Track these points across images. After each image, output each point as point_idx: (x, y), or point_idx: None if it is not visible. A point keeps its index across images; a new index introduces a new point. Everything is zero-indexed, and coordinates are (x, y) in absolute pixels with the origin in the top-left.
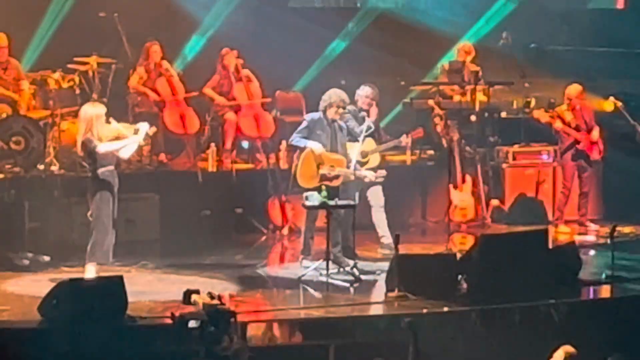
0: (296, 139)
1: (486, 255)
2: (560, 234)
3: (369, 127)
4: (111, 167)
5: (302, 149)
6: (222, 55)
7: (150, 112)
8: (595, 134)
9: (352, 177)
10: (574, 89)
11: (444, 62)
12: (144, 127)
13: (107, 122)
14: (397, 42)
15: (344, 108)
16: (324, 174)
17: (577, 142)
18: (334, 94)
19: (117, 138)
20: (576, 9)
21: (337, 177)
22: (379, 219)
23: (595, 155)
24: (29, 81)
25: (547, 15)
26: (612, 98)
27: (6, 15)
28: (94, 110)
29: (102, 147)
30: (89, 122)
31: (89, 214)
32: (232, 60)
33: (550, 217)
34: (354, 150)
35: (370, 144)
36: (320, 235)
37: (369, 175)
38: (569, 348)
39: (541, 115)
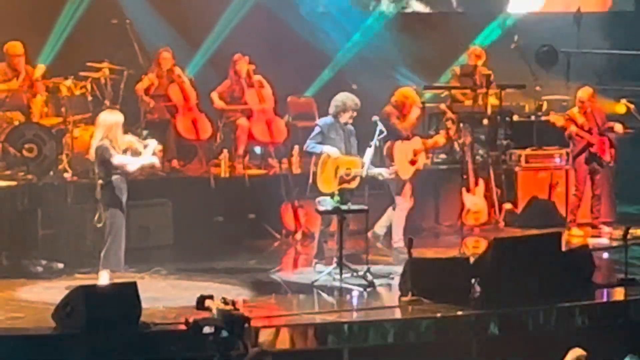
0: (311, 145)
1: (499, 259)
2: (573, 237)
3: (380, 132)
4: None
5: (319, 155)
6: (234, 61)
7: (162, 118)
8: (619, 127)
9: (364, 175)
10: (585, 91)
11: (455, 66)
12: (153, 144)
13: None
14: (409, 46)
15: (355, 111)
16: (342, 176)
17: (590, 144)
18: (348, 99)
19: (127, 149)
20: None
21: (354, 178)
22: (396, 221)
23: (607, 158)
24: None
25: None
26: (623, 100)
27: (19, 22)
28: (113, 117)
29: (117, 159)
30: (108, 129)
31: (96, 220)
32: (244, 66)
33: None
34: (367, 154)
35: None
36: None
37: (383, 173)
38: (579, 351)
39: (557, 119)
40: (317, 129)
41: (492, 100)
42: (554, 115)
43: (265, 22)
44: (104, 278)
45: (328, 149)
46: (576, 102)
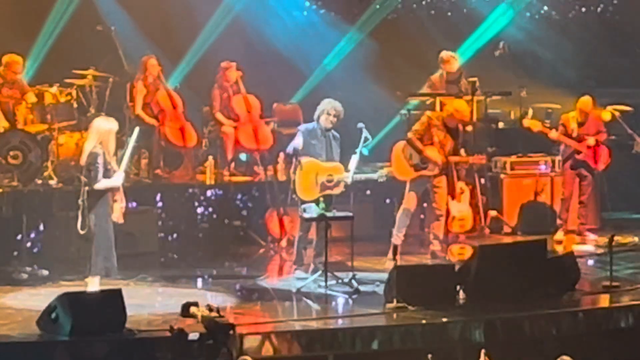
0: (289, 147)
1: (484, 266)
2: (557, 241)
3: (365, 139)
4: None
5: (297, 165)
6: (223, 69)
7: (148, 124)
8: (601, 136)
9: (349, 182)
10: (585, 101)
11: (433, 75)
12: (136, 132)
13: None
14: (394, 54)
15: (335, 116)
16: (323, 182)
17: (577, 152)
18: (326, 102)
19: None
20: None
21: (338, 184)
22: (398, 217)
23: (596, 164)
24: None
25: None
26: (610, 107)
27: (4, 29)
28: (108, 125)
29: (99, 185)
30: (102, 135)
31: (79, 226)
32: (233, 73)
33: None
34: (353, 161)
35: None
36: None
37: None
38: (566, 358)
39: (532, 124)
40: (298, 134)
41: (477, 107)
42: (529, 120)
43: (249, 32)
44: (94, 284)
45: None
46: (577, 110)
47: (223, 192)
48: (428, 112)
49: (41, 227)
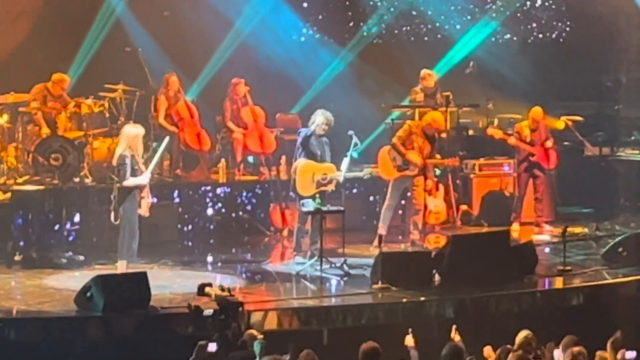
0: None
1: (456, 253)
2: (515, 232)
3: (355, 144)
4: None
5: (295, 165)
6: (233, 84)
7: (169, 132)
8: (549, 143)
9: (341, 180)
10: (537, 110)
11: (415, 87)
12: (167, 139)
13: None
14: (379, 72)
15: (327, 125)
16: (319, 181)
17: (531, 154)
18: (319, 114)
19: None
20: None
21: (331, 182)
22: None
23: (548, 165)
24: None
25: (508, 48)
26: (563, 117)
27: (48, 50)
28: (135, 130)
29: (128, 182)
30: (131, 140)
31: (112, 219)
32: (242, 88)
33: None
34: (344, 163)
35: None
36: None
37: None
38: (527, 332)
39: (494, 132)
40: (299, 140)
41: (451, 117)
42: (492, 128)
43: (256, 52)
44: (121, 267)
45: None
46: (528, 119)
47: (231, 190)
48: (409, 122)
49: (78, 219)
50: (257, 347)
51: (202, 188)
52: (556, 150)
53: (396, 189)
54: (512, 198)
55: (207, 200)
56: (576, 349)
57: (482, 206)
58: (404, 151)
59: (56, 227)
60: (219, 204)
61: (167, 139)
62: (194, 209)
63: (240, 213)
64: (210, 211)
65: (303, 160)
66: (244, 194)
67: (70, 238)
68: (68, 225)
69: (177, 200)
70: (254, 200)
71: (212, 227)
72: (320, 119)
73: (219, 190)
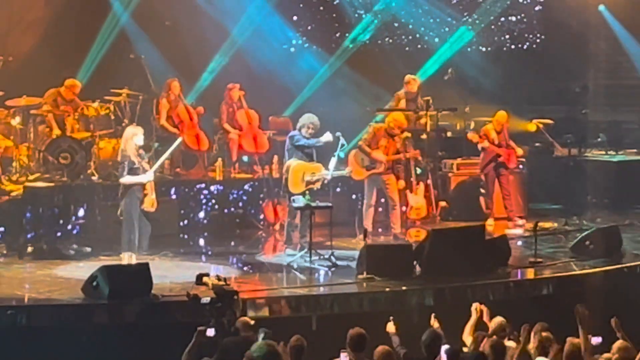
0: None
1: (436, 245)
2: (490, 226)
3: (342, 145)
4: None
5: (288, 165)
6: (229, 89)
7: (170, 133)
8: (520, 150)
9: (329, 178)
10: (502, 114)
11: (398, 92)
12: (179, 140)
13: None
14: (364, 78)
15: (313, 128)
16: (308, 179)
17: (498, 155)
18: (305, 118)
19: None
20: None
21: (318, 180)
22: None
23: (511, 165)
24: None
25: (483, 57)
26: (535, 120)
27: (57, 57)
28: (132, 130)
29: (124, 180)
30: (129, 139)
31: (119, 213)
32: (236, 93)
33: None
34: (332, 162)
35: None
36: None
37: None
38: (500, 319)
39: (473, 137)
40: (288, 139)
41: (431, 120)
42: (471, 133)
43: (250, 60)
44: (127, 259)
45: (326, 137)
46: (493, 122)
47: (225, 187)
48: (373, 124)
49: (85, 214)
50: (261, 337)
51: (197, 185)
52: (515, 150)
53: (370, 188)
54: (479, 191)
55: (202, 196)
56: (544, 334)
57: (454, 195)
58: (369, 151)
59: (64, 221)
60: (212, 200)
61: (179, 140)
62: (189, 205)
63: (232, 209)
64: (204, 207)
65: (295, 160)
66: (236, 191)
67: (77, 231)
68: (75, 219)
69: (172, 197)
70: (244, 197)
71: (209, 221)
72: (305, 121)
73: (212, 188)
